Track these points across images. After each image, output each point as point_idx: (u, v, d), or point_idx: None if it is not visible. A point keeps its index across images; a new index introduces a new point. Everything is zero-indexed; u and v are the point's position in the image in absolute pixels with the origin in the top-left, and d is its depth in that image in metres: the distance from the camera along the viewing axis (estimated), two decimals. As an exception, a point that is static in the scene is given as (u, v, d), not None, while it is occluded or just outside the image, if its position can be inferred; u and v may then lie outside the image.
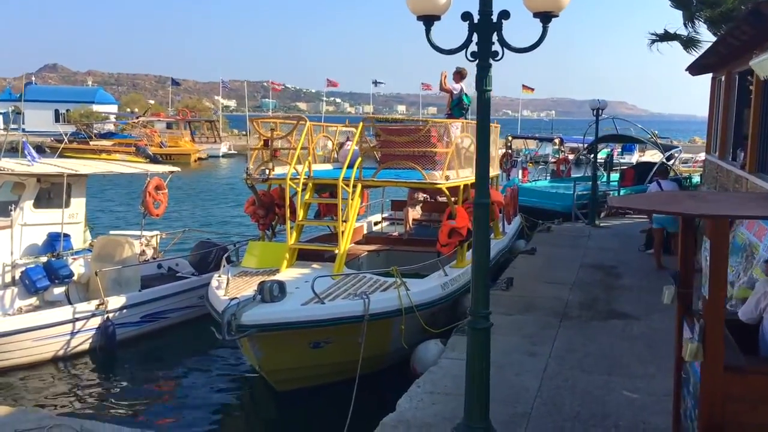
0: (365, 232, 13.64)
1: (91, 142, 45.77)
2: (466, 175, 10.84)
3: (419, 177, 10.09)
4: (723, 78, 14.47)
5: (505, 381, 6.93)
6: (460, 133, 10.97)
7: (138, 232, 12.96)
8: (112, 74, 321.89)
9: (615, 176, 24.22)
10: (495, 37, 4.35)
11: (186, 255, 13.22)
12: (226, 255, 10.89)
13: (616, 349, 8.16)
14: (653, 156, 31.09)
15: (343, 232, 9.69)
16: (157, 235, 13.45)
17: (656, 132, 31.24)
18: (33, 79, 64.74)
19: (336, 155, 12.86)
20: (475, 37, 4.37)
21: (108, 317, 10.07)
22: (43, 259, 10.74)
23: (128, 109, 73.89)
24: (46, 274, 10.37)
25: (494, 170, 13.11)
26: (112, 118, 60.61)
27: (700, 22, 18.43)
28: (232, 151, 56.39)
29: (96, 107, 64.75)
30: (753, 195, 6.71)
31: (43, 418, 6.31)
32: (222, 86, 74.91)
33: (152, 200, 12.76)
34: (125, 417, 8.07)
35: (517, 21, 4.61)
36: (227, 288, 8.75)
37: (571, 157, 28.23)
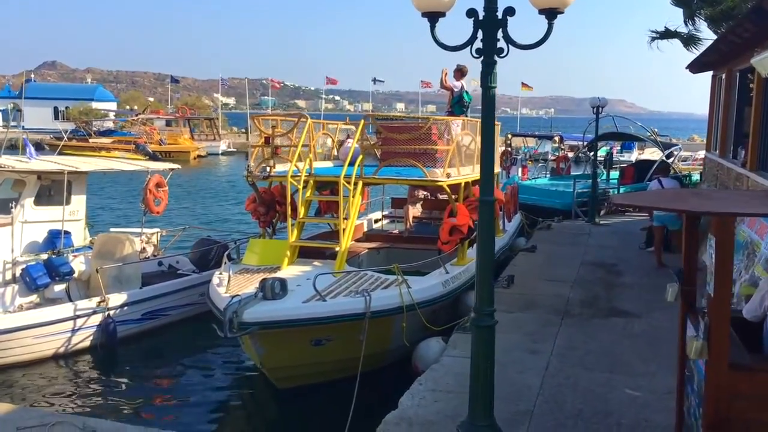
0: (365, 229, 13.63)
1: (90, 140, 45.74)
2: (467, 173, 10.84)
3: (420, 174, 10.09)
4: (723, 76, 14.45)
5: (507, 379, 6.93)
6: (461, 131, 10.95)
7: (138, 230, 12.95)
8: (111, 72, 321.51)
9: (615, 174, 24.23)
10: (500, 34, 4.34)
11: (186, 252, 13.21)
12: (227, 252, 10.88)
13: (617, 346, 8.16)
14: (652, 154, 31.11)
15: (344, 230, 9.68)
16: (157, 232, 13.45)
17: (656, 130, 31.24)
18: (32, 76, 64.60)
19: (336, 153, 12.85)
20: (479, 34, 4.36)
21: (109, 314, 10.06)
22: (44, 256, 10.74)
23: (127, 107, 73.81)
24: (46, 272, 10.36)
25: (495, 168, 13.08)
26: (112, 115, 60.53)
27: (700, 20, 18.43)
28: (232, 149, 56.36)
29: (95, 105, 64.69)
30: (756, 193, 6.71)
31: (45, 415, 6.30)
32: (221, 84, 74.86)
33: (153, 197, 12.74)
34: (126, 414, 8.07)
35: (519, 18, 4.60)
36: (229, 285, 8.74)
37: (570, 154, 28.21)
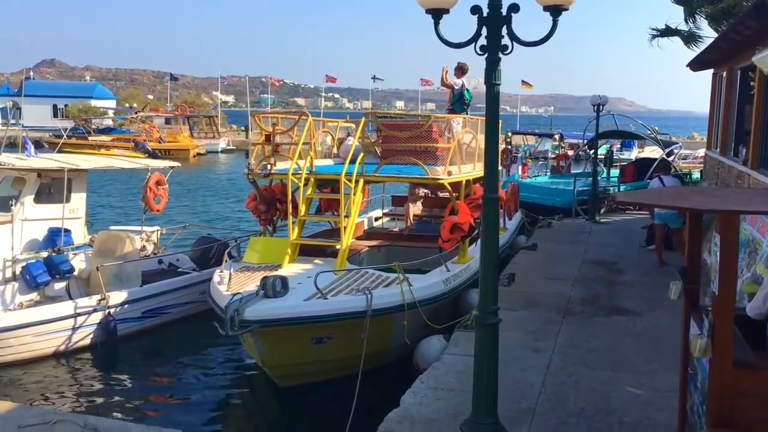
0: (366, 227, 13.61)
1: (89, 138, 45.68)
2: (468, 171, 10.82)
3: (421, 172, 10.07)
4: (724, 74, 14.44)
5: (509, 377, 6.91)
6: (462, 129, 10.94)
7: (138, 228, 12.93)
8: (110, 69, 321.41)
9: (615, 172, 24.22)
10: (504, 31, 4.32)
11: (187, 250, 13.20)
12: (227, 250, 10.86)
13: (619, 345, 8.15)
14: (652, 152, 31.09)
15: (345, 228, 9.66)
16: (157, 230, 13.44)
17: (656, 128, 31.23)
18: (31, 74, 64.55)
19: (336, 151, 12.83)
20: (484, 31, 4.35)
21: (109, 312, 10.04)
22: (44, 254, 10.72)
23: (127, 105, 73.77)
24: (46, 270, 10.35)
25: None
26: (111, 113, 60.50)
27: (701, 18, 18.42)
28: (231, 147, 56.33)
29: (94, 102, 64.67)
30: (759, 191, 6.70)
31: (47, 413, 6.29)
32: (221, 81, 74.82)
33: (153, 195, 12.71)
34: (127, 412, 8.05)
35: (522, 15, 4.57)
36: (229, 283, 8.73)
37: (570, 153, 28.20)
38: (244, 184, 29.87)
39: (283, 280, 7.96)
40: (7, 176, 10.97)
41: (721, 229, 3.90)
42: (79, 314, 9.81)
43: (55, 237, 10.97)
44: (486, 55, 4.40)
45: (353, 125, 13.64)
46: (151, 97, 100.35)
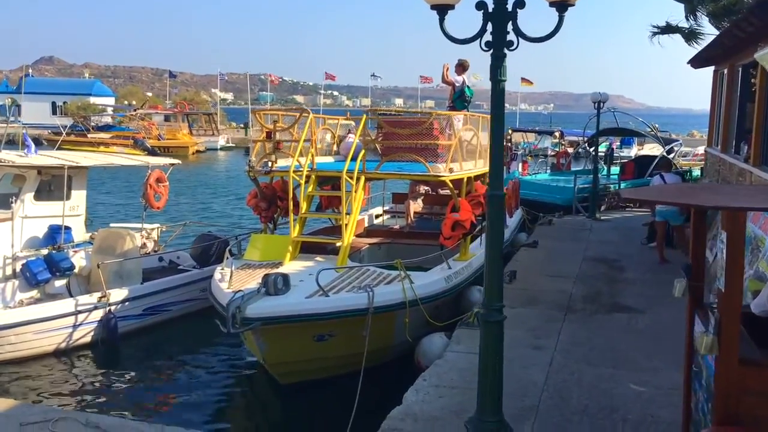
0: (366, 225, 13.59)
1: (88, 135, 45.59)
2: (469, 168, 10.80)
3: (422, 169, 10.05)
4: (725, 71, 14.41)
5: (512, 374, 6.87)
6: (463, 126, 10.91)
7: (138, 225, 12.90)
8: (108, 67, 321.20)
9: (615, 170, 24.20)
10: (509, 27, 4.30)
11: (187, 248, 13.18)
12: (228, 248, 10.84)
13: (621, 342, 8.14)
14: (652, 149, 31.08)
15: (346, 225, 9.63)
16: (157, 227, 13.41)
17: (656, 125, 31.21)
18: (30, 71, 64.43)
19: (336, 148, 12.81)
20: (489, 27, 4.32)
21: (110, 310, 10.03)
22: (44, 251, 10.71)
23: (125, 102, 73.64)
24: (47, 267, 10.34)
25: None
26: (110, 110, 60.38)
27: (702, 15, 18.40)
28: (230, 144, 56.30)
29: (93, 99, 64.47)
30: (763, 188, 6.67)
31: (48, 411, 6.28)
32: (220, 78, 74.72)
33: (153, 193, 12.69)
34: (128, 409, 8.03)
35: (525, 11, 4.54)
36: (231, 281, 8.70)
37: (570, 150, 28.18)
38: (243, 181, 29.85)
39: (285, 277, 7.95)
40: (7, 173, 10.95)
41: (727, 226, 3.88)
42: (80, 312, 9.79)
43: (56, 234, 10.96)
44: (491, 51, 4.37)
45: (353, 123, 13.62)
46: (150, 94, 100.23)
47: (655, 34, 19.36)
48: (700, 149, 34.94)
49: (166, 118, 53.41)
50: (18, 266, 10.39)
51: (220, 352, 9.94)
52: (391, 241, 12.01)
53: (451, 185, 10.08)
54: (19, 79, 64.64)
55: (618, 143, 36.48)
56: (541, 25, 4.69)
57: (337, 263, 9.22)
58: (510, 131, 27.98)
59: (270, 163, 10.53)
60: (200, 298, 10.97)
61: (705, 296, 5.04)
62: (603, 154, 25.72)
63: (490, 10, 4.31)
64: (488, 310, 4.69)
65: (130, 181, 27.42)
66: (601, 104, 18.33)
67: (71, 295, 10.40)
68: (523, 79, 59.67)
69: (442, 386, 6.75)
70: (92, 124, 50.14)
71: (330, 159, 12.22)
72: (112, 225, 13.55)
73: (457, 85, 12.33)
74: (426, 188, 13.78)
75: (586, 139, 24.83)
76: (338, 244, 9.76)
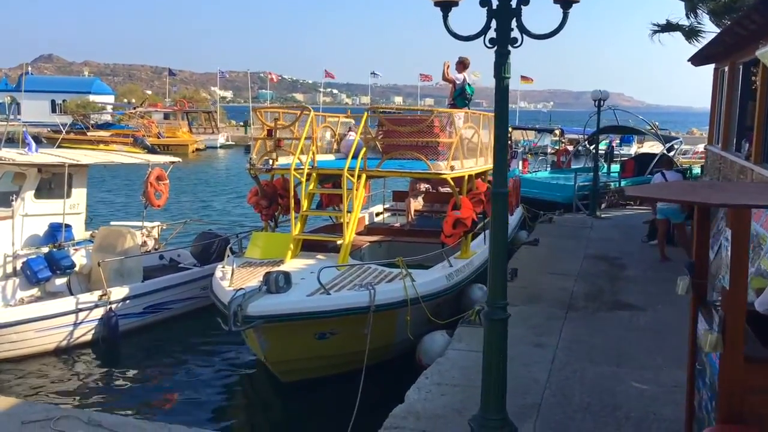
0: (367, 222, 13.58)
1: (88, 133, 45.54)
2: (470, 166, 10.79)
3: (423, 167, 10.03)
4: (726, 69, 14.39)
5: (513, 372, 6.84)
6: (464, 124, 10.90)
7: (139, 223, 12.88)
8: (108, 65, 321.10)
9: (615, 167, 24.20)
10: (514, 24, 4.28)
11: (188, 246, 13.16)
12: (229, 246, 10.83)
13: (622, 340, 8.13)
14: (652, 147, 31.09)
15: (347, 223, 9.62)
16: (158, 225, 13.38)
17: (657, 123, 31.19)
18: (29, 69, 64.31)
19: (336, 146, 12.79)
20: (493, 24, 4.30)
21: (111, 308, 10.01)
22: (45, 249, 10.68)
23: (125, 100, 73.55)
24: (47, 265, 10.32)
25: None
26: (109, 108, 60.32)
27: (702, 13, 18.37)
28: (230, 142, 56.24)
29: (93, 98, 64.39)
30: (766, 185, 6.67)
31: (50, 409, 6.26)
32: (220, 76, 74.63)
33: (153, 191, 12.67)
34: (130, 408, 8.02)
35: (530, 8, 4.52)
36: (232, 279, 8.68)
37: (570, 148, 28.18)
38: (244, 179, 29.83)
39: (286, 275, 7.93)
40: (8, 171, 10.92)
41: (732, 223, 3.87)
42: (81, 310, 9.77)
43: (56, 232, 10.94)
44: (495, 48, 4.35)
45: (353, 121, 13.61)
46: (149, 92, 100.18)
47: (655, 32, 19.32)
48: (700, 147, 34.94)
49: (166, 116, 53.39)
50: (18, 264, 10.36)
51: (221, 350, 9.93)
52: (391, 239, 12.00)
53: (452, 183, 10.07)
54: (19, 77, 64.57)
55: (618, 141, 36.51)
56: (544, 22, 4.66)
57: (338, 261, 9.20)
58: (510, 129, 27.97)
59: (271, 161, 10.51)
60: (201, 296, 10.96)
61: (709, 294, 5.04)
62: (603, 151, 25.73)
63: (494, 7, 4.29)
64: (492, 308, 4.68)
65: (130, 179, 27.39)
66: (602, 102, 18.33)
67: (72, 294, 10.38)
68: (523, 77, 59.57)
69: (444, 384, 6.74)
70: (92, 122, 50.08)
71: (331, 157, 12.20)
72: (112, 223, 13.53)
73: (457, 82, 12.32)
74: (426, 186, 13.77)
75: (586, 137, 24.82)
76: (339, 242, 9.74)
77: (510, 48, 4.35)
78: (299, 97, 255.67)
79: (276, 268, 8.63)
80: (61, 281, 10.61)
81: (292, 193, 10.27)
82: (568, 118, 77.08)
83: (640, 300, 9.80)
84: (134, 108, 57.22)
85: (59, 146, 17.39)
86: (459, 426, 5.75)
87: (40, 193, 10.97)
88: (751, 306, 4.84)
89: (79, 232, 11.74)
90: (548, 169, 25.02)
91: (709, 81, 16.84)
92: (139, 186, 14.85)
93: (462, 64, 12.34)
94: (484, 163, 11.61)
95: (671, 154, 21.89)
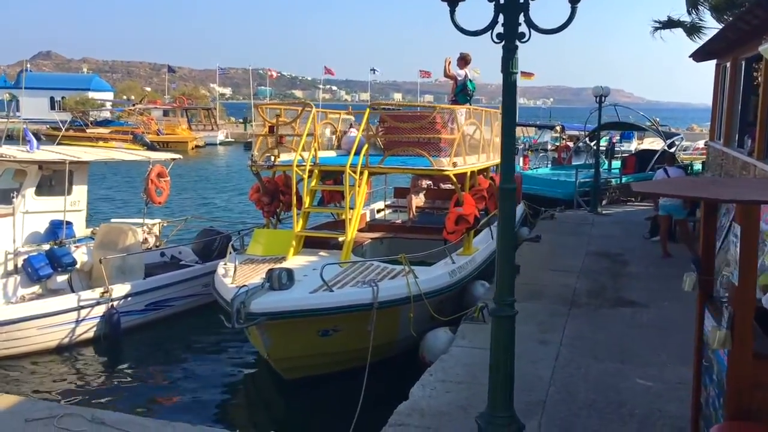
0: (368, 219, 13.55)
1: (87, 130, 45.49)
2: (473, 162, 10.76)
3: (425, 164, 10.00)
4: (728, 64, 14.36)
5: (518, 369, 6.72)
6: (466, 120, 10.87)
7: (140, 220, 12.85)
8: (106, 61, 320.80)
9: (616, 164, 24.16)
10: (521, 18, 4.25)
11: (189, 243, 13.14)
12: (231, 243, 10.81)
13: (626, 336, 8.11)
14: (652, 144, 31.05)
15: (350, 220, 9.60)
16: (159, 223, 13.35)
17: (658, 119, 31.14)
18: (28, 66, 64.16)
19: (337, 142, 12.77)
20: (500, 19, 4.27)
21: (112, 305, 9.99)
22: (46, 246, 10.67)
23: (124, 97, 73.43)
24: (48, 262, 10.30)
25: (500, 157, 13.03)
26: (108, 105, 60.23)
27: (704, 9, 18.34)
28: (230, 139, 56.19)
29: (92, 94, 64.30)
30: (771, 181, 6.64)
31: (53, 407, 6.24)
32: (219, 73, 74.50)
33: (154, 188, 12.64)
34: (132, 405, 7.99)
35: (539, 1, 4.48)
36: (234, 276, 8.66)
37: (571, 144, 28.13)
38: (244, 176, 29.82)
39: (289, 272, 7.91)
40: (8, 168, 10.90)
41: (741, 219, 3.85)
42: (83, 307, 9.75)
43: (57, 229, 10.92)
44: (503, 43, 4.32)
45: (353, 117, 13.58)
46: (148, 89, 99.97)
47: (657, 29, 19.30)
48: (700, 143, 34.92)
49: (165, 113, 53.32)
50: (19, 262, 10.34)
51: (224, 348, 9.91)
52: (393, 235, 11.98)
53: (455, 179, 10.04)
54: (18, 74, 64.41)
55: (618, 138, 36.46)
56: (549, 17, 4.62)
57: (340, 258, 9.18)
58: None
59: (273, 158, 10.49)
60: (203, 293, 10.93)
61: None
62: (604, 148, 25.69)
63: (502, 1, 4.26)
64: (500, 305, 4.66)
65: (130, 176, 27.35)
66: (603, 98, 18.29)
67: (73, 291, 10.37)
68: (523, 73, 59.31)
69: (448, 381, 6.72)
70: (91, 119, 50.04)
71: (332, 153, 12.17)
72: (113, 220, 13.50)
73: (459, 78, 12.28)
74: (428, 182, 13.74)
75: (587, 133, 24.78)
76: (341, 239, 9.72)
77: (517, 43, 4.32)
78: (298, 93, 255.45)
79: (278, 265, 8.60)
80: (62, 278, 10.59)
81: (294, 190, 10.25)
82: (568, 114, 76.94)
83: (643, 296, 9.78)
84: (133, 105, 57.13)
85: (59, 143, 17.33)
86: (464, 423, 5.74)
87: (40, 191, 10.95)
88: (758, 302, 4.83)
89: (80, 229, 11.73)
90: (549, 165, 24.98)
91: (709, 77, 16.83)
92: (139, 183, 14.82)
93: (463, 60, 12.31)
94: (486, 159, 11.58)
95: (672, 150, 21.86)
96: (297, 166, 10.05)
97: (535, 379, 6.72)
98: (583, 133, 26.55)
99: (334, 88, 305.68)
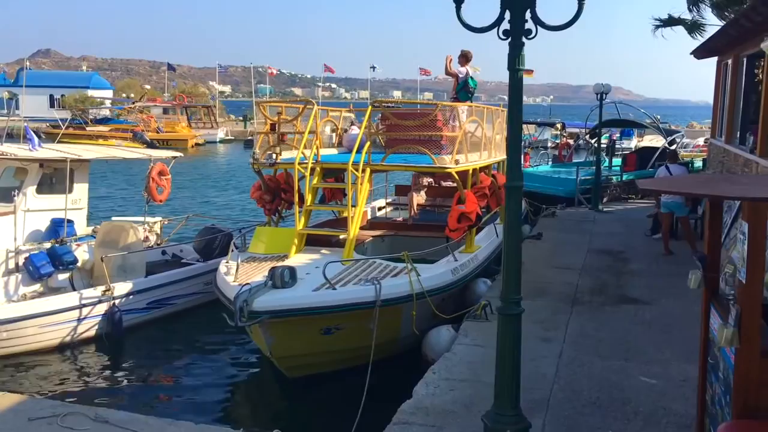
0: (369, 217, 13.52)
1: (87, 128, 45.43)
2: (474, 160, 10.74)
3: (428, 161, 9.98)
4: (729, 62, 14.33)
5: (522, 367, 6.83)
6: (468, 118, 10.85)
7: (141, 218, 12.83)
8: (105, 59, 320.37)
9: (617, 161, 24.14)
10: (528, 15, 4.23)
11: (189, 241, 13.12)
12: (232, 241, 10.79)
13: (629, 334, 8.11)
14: (652, 141, 31.02)
15: (352, 218, 9.58)
16: (160, 221, 13.34)
17: (659, 117, 31.11)
18: (27, 64, 63.98)
19: (336, 141, 12.74)
20: (506, 15, 4.25)
21: (114, 303, 9.97)
22: (47, 245, 10.64)
23: (124, 95, 73.34)
24: (49, 261, 10.27)
25: (502, 154, 13.02)
26: (108, 103, 60.15)
27: (705, 6, 18.29)
28: (230, 137, 56.15)
29: (91, 92, 64.19)
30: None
31: (57, 406, 6.23)
32: (219, 71, 74.44)
33: (155, 186, 12.61)
34: (135, 404, 7.98)
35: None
36: (237, 274, 8.64)
37: (571, 142, 28.11)
38: (245, 173, 29.79)
39: (292, 270, 7.89)
40: (9, 167, 10.87)
41: (749, 217, 3.83)
42: (84, 305, 9.73)
43: (58, 228, 10.90)
44: (509, 39, 4.30)
45: (352, 115, 13.56)
46: (148, 87, 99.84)
47: (657, 27, 19.23)
48: (700, 140, 34.89)
49: (165, 111, 53.28)
50: (21, 260, 10.32)
51: (226, 346, 9.90)
52: (394, 233, 11.96)
53: (457, 177, 10.03)
54: (17, 72, 64.30)
55: (618, 135, 36.43)
56: (553, 13, 4.61)
57: (343, 256, 9.16)
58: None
59: (274, 155, 10.46)
60: (204, 291, 10.92)
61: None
62: (605, 145, 25.64)
63: (508, -2, 4.24)
64: (506, 303, 4.65)
65: (131, 174, 27.29)
66: (604, 95, 18.26)
67: (74, 289, 10.34)
68: (524, 71, 59.26)
69: (452, 379, 6.71)
70: (90, 117, 49.97)
71: (333, 151, 12.16)
72: (114, 218, 13.48)
73: (460, 76, 12.25)
74: (429, 180, 13.71)
75: (587, 130, 24.76)
76: (342, 237, 9.70)
77: (524, 40, 4.30)
78: (298, 91, 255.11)
79: (281, 263, 8.59)
80: (63, 277, 10.57)
81: (296, 188, 10.23)
82: (568, 111, 76.96)
83: (645, 294, 9.77)
84: (133, 103, 57.07)
85: (59, 142, 17.30)
86: (469, 421, 5.73)
87: (41, 189, 10.93)
88: (765, 300, 4.81)
89: (81, 227, 11.71)
90: (549, 163, 24.96)
91: (708, 74, 16.86)
92: (139, 181, 14.78)
93: (464, 57, 12.27)
94: (488, 156, 11.56)
95: (673, 147, 21.84)
96: (299, 163, 10.03)
97: (538, 377, 6.71)
98: (583, 130, 26.52)
99: (334, 85, 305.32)
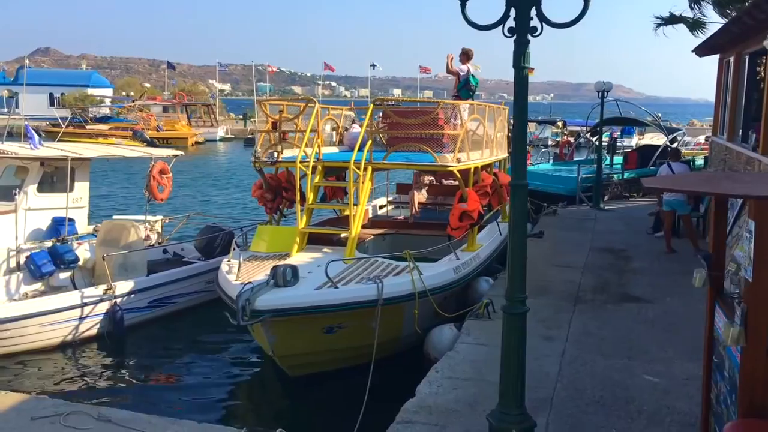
0: (371, 215, 13.51)
1: (87, 127, 45.38)
2: (476, 158, 10.72)
3: (429, 159, 9.96)
4: (731, 59, 14.30)
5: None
6: (469, 116, 10.82)
7: (142, 217, 12.81)
8: (105, 58, 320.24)
9: (618, 159, 24.12)
10: (533, 12, 4.21)
11: (191, 240, 13.10)
12: (234, 240, 10.77)
13: (632, 332, 8.09)
14: (653, 139, 30.98)
15: (354, 216, 9.56)
16: (161, 219, 13.32)
17: (660, 115, 31.08)
18: (27, 62, 63.91)
19: (339, 137, 12.72)
20: (512, 13, 4.23)
21: (116, 302, 9.96)
22: (48, 243, 10.62)
23: (123, 93, 73.28)
24: (51, 259, 10.26)
25: (503, 153, 13.00)
26: (108, 101, 60.10)
27: (706, 4, 18.24)
28: (230, 135, 56.13)
29: (91, 91, 64.16)
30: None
31: (59, 405, 6.22)
32: (219, 69, 74.39)
33: (156, 184, 12.59)
34: (137, 402, 7.96)
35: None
36: (239, 273, 8.63)
37: (572, 140, 28.09)
38: (245, 172, 29.75)
39: (294, 269, 7.88)
40: (10, 165, 10.85)
41: (756, 215, 3.81)
42: (86, 304, 9.72)
43: (59, 226, 10.88)
44: (514, 37, 4.28)
45: (353, 113, 13.53)
46: (147, 85, 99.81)
47: (659, 25, 19.18)
48: (701, 138, 34.86)
49: (165, 109, 53.22)
50: (22, 259, 10.30)
51: (227, 344, 9.89)
52: (395, 231, 11.94)
53: (459, 175, 10.01)
54: (16, 70, 64.26)
55: (619, 133, 36.40)
56: (557, 10, 4.58)
57: (345, 254, 9.15)
58: (512, 120, 27.86)
59: (276, 154, 10.44)
60: (206, 290, 10.91)
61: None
62: (605, 143, 25.63)
63: (514, -5, 4.22)
64: (511, 302, 4.63)
65: (131, 172, 27.27)
66: (605, 93, 18.23)
67: (75, 288, 10.32)
68: (524, 69, 59.25)
69: (455, 378, 6.70)
70: (90, 115, 49.91)
71: (334, 149, 12.13)
72: (115, 217, 13.46)
73: (461, 74, 12.21)
74: (430, 178, 13.70)
75: (588, 128, 24.73)
76: (344, 235, 9.68)
77: (529, 37, 4.27)
78: (297, 90, 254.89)
79: (283, 262, 8.58)
80: (64, 275, 10.55)
81: (298, 186, 10.21)
82: (569, 109, 76.93)
83: (648, 292, 9.75)
84: (133, 101, 57.01)
85: (59, 140, 17.28)
86: (472, 420, 5.72)
87: (42, 187, 10.91)
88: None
89: (83, 226, 11.70)
90: (550, 161, 24.94)
91: (708, 72, 16.81)
92: (140, 180, 14.76)
93: (465, 55, 12.24)
94: (490, 155, 11.54)
95: (674, 145, 21.81)
96: (300, 162, 10.01)
97: (541, 376, 6.69)
98: (584, 128, 26.50)
99: (334, 84, 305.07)
